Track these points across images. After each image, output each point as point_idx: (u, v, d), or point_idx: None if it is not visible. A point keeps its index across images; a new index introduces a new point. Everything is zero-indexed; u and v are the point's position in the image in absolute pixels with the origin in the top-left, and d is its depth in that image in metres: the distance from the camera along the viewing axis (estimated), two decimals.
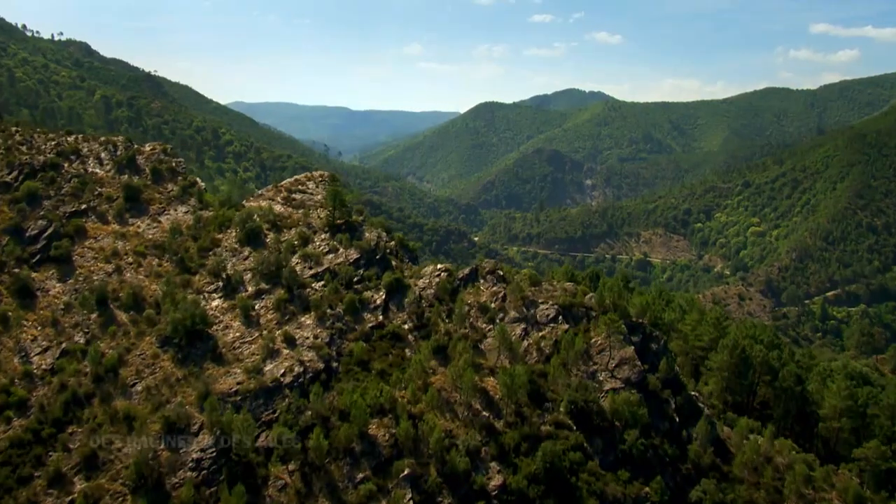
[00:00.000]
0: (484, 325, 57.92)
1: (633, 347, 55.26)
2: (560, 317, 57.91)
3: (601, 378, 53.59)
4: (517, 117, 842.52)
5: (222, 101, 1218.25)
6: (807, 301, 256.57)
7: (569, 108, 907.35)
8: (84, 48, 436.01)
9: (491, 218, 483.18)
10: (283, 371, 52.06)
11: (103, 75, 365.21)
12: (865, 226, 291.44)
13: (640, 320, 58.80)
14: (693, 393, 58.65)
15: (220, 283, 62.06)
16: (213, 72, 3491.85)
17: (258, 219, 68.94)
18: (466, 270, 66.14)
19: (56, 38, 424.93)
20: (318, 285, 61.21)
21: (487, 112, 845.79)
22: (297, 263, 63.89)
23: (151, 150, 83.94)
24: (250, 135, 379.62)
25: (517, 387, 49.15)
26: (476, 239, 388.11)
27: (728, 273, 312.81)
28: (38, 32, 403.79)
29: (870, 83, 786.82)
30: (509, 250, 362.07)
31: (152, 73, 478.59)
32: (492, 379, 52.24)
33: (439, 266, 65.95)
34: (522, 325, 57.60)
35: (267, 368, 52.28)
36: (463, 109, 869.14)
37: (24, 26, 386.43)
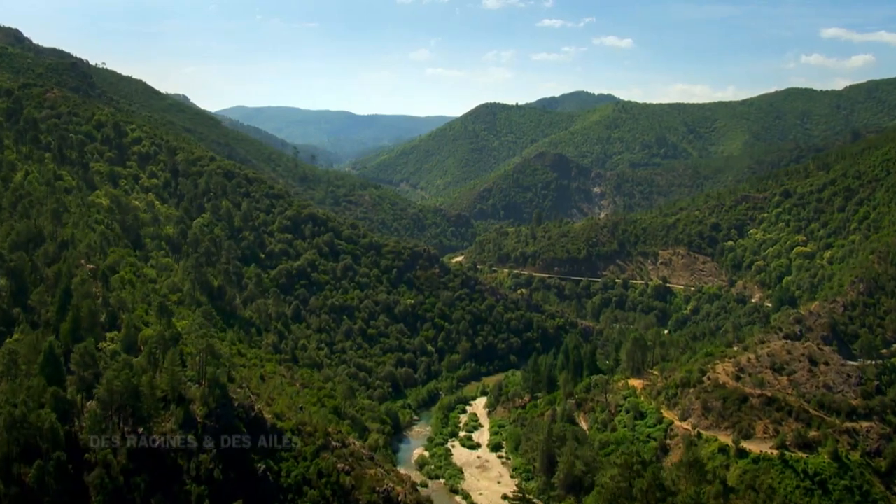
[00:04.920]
0: None
1: None
2: None
3: None
4: (521, 119, 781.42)
5: (224, 106, 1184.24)
6: (884, 350, 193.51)
7: (576, 109, 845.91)
8: (13, 35, 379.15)
9: (485, 231, 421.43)
10: None
11: (17, 63, 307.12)
12: None
13: None
14: None
15: None
16: (215, 76, 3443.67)
17: None
18: None
19: None
20: None
21: (489, 114, 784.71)
22: None
23: None
24: (189, 135, 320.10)
25: None
26: (460, 259, 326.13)
27: (769, 305, 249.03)
28: None
29: None
30: (499, 273, 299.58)
31: (97, 65, 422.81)
32: None
33: None
34: None
35: None
36: None
37: None
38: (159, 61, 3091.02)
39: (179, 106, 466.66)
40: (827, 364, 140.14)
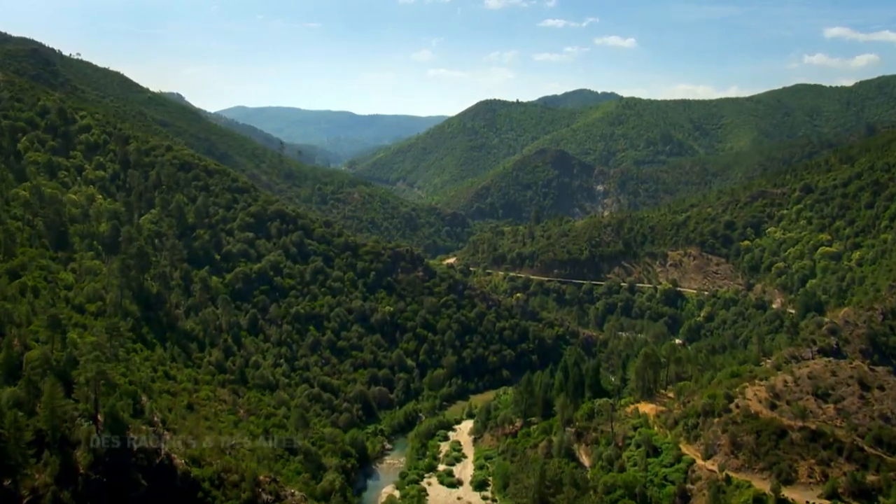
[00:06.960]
0: None
1: None
2: None
3: None
4: (521, 117, 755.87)
5: (225, 106, 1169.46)
6: None
7: (578, 107, 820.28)
8: None
9: (481, 231, 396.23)
10: None
11: None
12: None
13: None
14: None
15: None
16: (216, 76, 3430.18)
17: None
18: None
19: None
20: None
21: (488, 111, 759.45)
22: None
23: None
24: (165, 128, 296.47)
25: None
26: (452, 260, 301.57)
27: (793, 312, 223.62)
28: None
29: None
30: (493, 276, 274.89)
31: (71, 55, 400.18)
32: None
33: None
34: None
35: None
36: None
37: None
38: (160, 61, 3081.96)
39: (161, 100, 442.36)
40: (882, 389, 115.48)
